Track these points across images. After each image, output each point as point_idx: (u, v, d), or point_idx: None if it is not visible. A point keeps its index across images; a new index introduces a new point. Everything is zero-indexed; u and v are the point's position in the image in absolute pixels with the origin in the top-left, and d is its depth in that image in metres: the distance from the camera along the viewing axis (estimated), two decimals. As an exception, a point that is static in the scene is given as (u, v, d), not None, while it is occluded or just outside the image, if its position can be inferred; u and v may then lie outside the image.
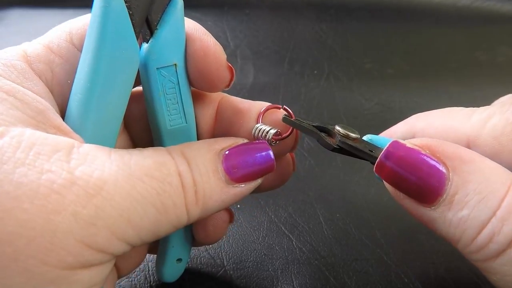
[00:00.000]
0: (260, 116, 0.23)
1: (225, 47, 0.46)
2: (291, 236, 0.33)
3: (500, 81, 0.51)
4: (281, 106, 0.24)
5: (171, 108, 0.22)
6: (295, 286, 0.30)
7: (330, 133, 0.24)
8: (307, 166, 0.38)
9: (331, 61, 0.51)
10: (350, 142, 0.22)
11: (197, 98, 0.24)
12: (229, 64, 0.22)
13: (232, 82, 0.23)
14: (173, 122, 0.23)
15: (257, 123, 0.23)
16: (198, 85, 0.23)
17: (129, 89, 0.21)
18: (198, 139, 0.24)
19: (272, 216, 0.34)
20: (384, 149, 0.20)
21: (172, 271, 0.28)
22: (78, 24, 0.21)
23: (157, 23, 0.20)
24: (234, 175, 0.21)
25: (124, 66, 0.20)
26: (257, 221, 0.34)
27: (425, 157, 0.19)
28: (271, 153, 0.22)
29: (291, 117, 0.24)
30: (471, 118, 0.22)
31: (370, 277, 0.30)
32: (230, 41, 0.49)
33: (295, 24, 0.56)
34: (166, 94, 0.22)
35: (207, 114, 0.24)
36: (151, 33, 0.20)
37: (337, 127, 0.23)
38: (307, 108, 0.45)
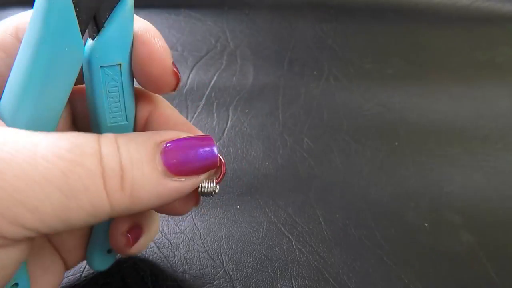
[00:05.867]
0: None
1: (225, 47, 0.46)
2: (290, 236, 0.33)
3: (500, 81, 0.51)
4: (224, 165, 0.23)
5: (113, 106, 0.22)
6: (294, 287, 0.30)
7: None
8: (307, 166, 0.38)
9: (331, 61, 0.51)
10: None
11: (138, 97, 0.23)
12: (175, 70, 0.22)
13: (179, 86, 0.22)
14: (114, 120, 0.22)
15: None
16: (144, 86, 0.22)
17: (69, 87, 0.20)
18: None
19: (272, 217, 0.34)
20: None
21: (101, 261, 0.28)
22: (26, 19, 0.20)
23: (105, 22, 0.19)
24: (173, 167, 0.20)
25: (65, 63, 0.19)
26: (256, 222, 0.34)
27: None
28: (215, 149, 0.21)
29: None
30: None
31: (370, 277, 0.30)
32: (230, 41, 0.49)
33: (295, 24, 0.56)
34: (109, 92, 0.21)
35: (143, 116, 0.24)
36: (98, 31, 0.20)
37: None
38: (306, 109, 0.44)
